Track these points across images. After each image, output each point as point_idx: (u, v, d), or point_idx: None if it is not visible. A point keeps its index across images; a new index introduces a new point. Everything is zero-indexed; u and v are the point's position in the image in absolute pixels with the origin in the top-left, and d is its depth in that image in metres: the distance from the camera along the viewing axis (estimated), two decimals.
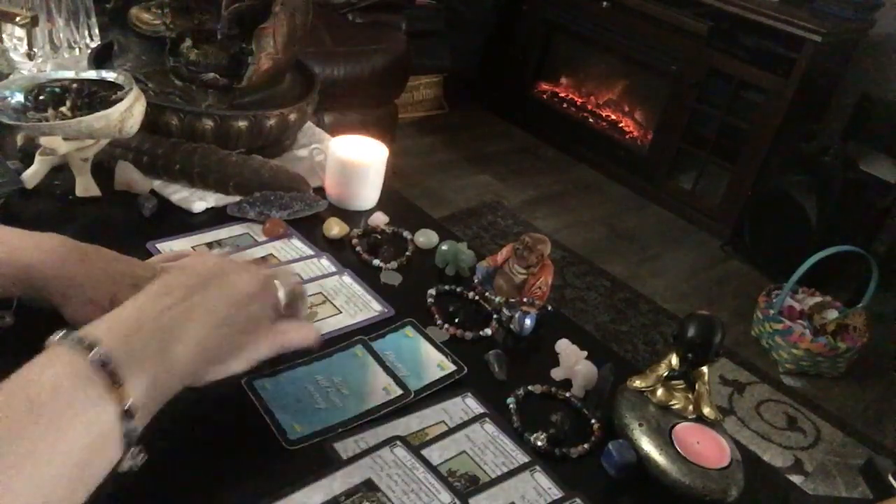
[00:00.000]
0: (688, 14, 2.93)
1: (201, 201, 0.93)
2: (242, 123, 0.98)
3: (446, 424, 0.68)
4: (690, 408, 0.71)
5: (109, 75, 0.88)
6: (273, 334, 0.59)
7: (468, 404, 0.71)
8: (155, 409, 0.48)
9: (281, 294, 0.60)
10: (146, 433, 0.48)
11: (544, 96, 3.67)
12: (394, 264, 0.90)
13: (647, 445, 0.68)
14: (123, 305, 0.51)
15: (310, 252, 0.89)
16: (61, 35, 1.19)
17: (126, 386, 0.45)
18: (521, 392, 0.74)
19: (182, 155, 0.93)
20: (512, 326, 0.82)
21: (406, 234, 0.96)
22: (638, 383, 0.73)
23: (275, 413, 0.65)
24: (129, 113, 0.82)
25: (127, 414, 0.44)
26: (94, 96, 0.86)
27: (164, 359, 0.49)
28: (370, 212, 1.00)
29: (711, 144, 3.03)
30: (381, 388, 0.70)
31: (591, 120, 3.53)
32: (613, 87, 3.50)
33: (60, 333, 0.46)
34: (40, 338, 0.47)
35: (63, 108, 0.84)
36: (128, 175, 0.91)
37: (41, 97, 0.84)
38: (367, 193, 1.01)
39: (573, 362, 0.78)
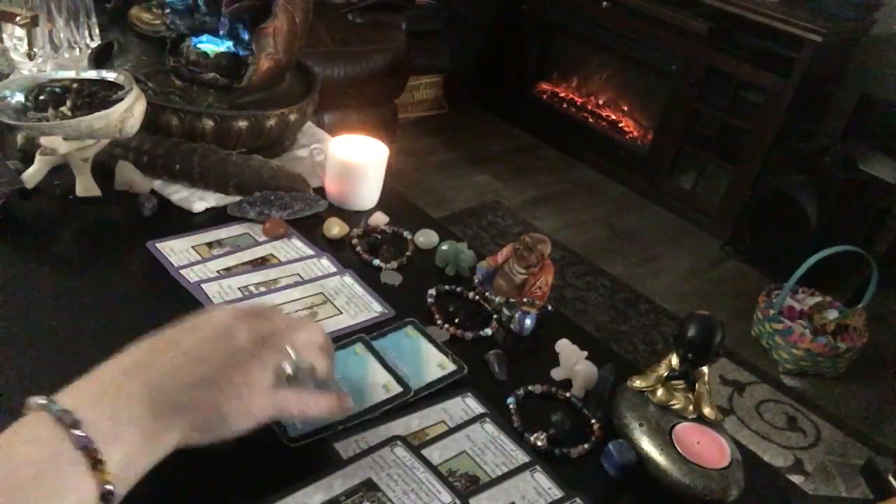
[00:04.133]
0: (688, 14, 2.93)
1: (201, 201, 0.93)
2: (242, 123, 0.98)
3: (446, 424, 0.68)
4: (690, 408, 0.71)
5: (109, 75, 0.88)
6: (273, 399, 0.54)
7: (468, 404, 0.71)
8: (136, 478, 0.46)
9: (287, 366, 0.55)
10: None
11: (544, 96, 3.67)
12: (394, 264, 0.90)
13: (647, 445, 0.68)
14: (105, 366, 0.49)
15: (310, 252, 0.89)
16: (61, 35, 1.19)
17: (106, 465, 0.43)
18: (521, 392, 0.74)
19: (182, 155, 0.93)
20: (512, 326, 0.82)
21: (406, 234, 0.96)
22: (638, 383, 0.73)
23: None
24: (129, 113, 0.82)
25: (105, 498, 0.43)
26: (95, 96, 0.86)
27: (146, 427, 0.47)
28: (370, 212, 1.00)
29: (711, 144, 3.03)
30: (381, 385, 0.70)
31: (591, 120, 3.53)
32: (613, 87, 3.50)
33: (40, 401, 0.44)
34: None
35: (63, 108, 0.84)
36: (128, 175, 0.91)
37: (41, 97, 0.84)
38: (367, 193, 1.01)
39: (573, 362, 0.78)
